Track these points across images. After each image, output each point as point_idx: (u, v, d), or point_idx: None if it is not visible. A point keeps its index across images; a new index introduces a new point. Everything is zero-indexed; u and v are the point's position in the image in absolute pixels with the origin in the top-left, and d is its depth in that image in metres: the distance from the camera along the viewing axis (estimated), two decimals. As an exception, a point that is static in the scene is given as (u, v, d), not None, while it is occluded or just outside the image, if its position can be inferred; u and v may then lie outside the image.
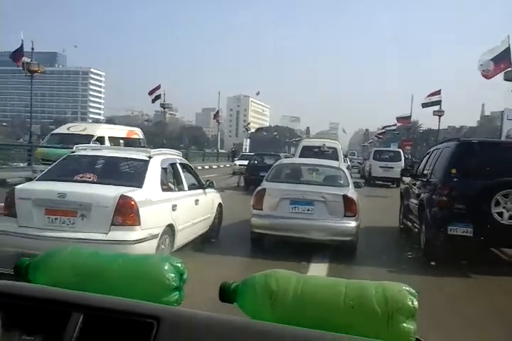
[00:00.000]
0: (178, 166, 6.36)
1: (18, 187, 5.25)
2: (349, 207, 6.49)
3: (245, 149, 54.58)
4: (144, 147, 13.64)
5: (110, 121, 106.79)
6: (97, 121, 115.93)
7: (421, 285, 5.43)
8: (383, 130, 63.35)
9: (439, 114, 35.64)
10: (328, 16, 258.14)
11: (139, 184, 5.20)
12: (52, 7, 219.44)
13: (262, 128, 79.52)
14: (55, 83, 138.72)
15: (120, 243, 4.64)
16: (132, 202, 4.80)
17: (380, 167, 21.58)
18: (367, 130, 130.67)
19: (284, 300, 0.97)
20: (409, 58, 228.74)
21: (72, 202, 4.79)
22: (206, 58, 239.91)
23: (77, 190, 4.95)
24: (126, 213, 4.75)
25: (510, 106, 21.81)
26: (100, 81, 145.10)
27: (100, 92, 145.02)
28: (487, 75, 21.63)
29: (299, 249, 6.52)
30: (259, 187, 7.03)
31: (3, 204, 5.08)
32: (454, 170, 6.52)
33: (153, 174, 5.48)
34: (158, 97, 37.40)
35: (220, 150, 55.17)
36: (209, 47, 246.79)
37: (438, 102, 35.10)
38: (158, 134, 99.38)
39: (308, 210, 6.55)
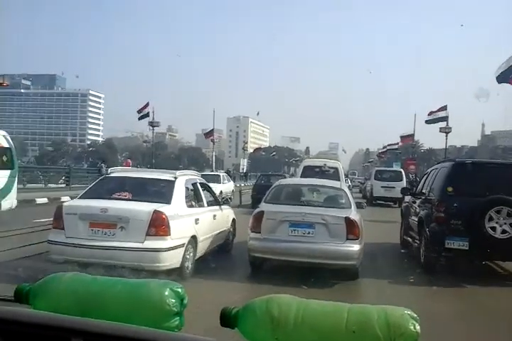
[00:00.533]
0: (198, 185, 7.26)
1: (65, 204, 6.19)
2: (351, 229, 6.23)
3: (242, 169, 54.70)
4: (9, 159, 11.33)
5: (109, 142, 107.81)
6: (95, 142, 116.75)
7: (420, 297, 6.00)
8: (385, 149, 62.84)
9: (446, 130, 33.70)
10: (325, 35, 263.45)
11: (167, 201, 6.07)
12: (52, 29, 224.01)
13: (260, 148, 79.87)
14: (53, 105, 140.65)
15: (154, 250, 5.53)
16: (164, 216, 5.66)
17: (382, 187, 21.75)
18: (367, 149, 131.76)
19: (285, 325, 0.97)
20: (410, 78, 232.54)
21: (112, 216, 5.63)
22: (207, 80, 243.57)
23: (116, 206, 5.81)
24: (158, 225, 5.60)
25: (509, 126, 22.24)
26: (99, 103, 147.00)
27: (99, 114, 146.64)
28: None
29: (300, 272, 6.32)
30: (257, 209, 6.80)
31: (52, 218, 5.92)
32: (450, 189, 7.13)
33: (179, 192, 6.39)
34: (146, 115, 36.29)
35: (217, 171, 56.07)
36: (209, 68, 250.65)
37: (444, 118, 33.48)
38: (157, 155, 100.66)
39: (308, 233, 6.29)
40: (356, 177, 56.08)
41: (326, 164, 14.74)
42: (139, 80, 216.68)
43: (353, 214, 6.49)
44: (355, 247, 6.18)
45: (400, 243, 9.53)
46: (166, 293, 1.07)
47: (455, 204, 6.96)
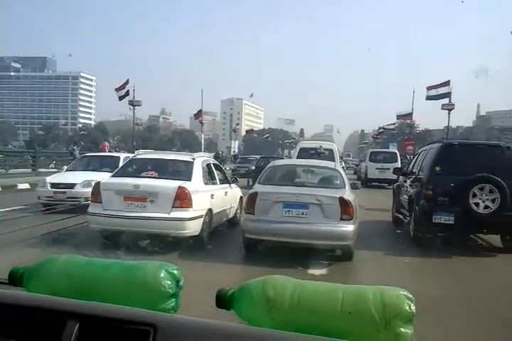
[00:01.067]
0: (212, 166, 8.30)
1: (102, 181, 7.20)
2: (346, 209, 6.27)
3: (233, 152, 54.48)
4: None
5: (101, 125, 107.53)
6: (87, 126, 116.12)
7: (409, 261, 6.70)
8: (381, 130, 62.01)
9: (449, 107, 31.31)
10: (319, 15, 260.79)
11: (188, 178, 7.19)
12: (44, 11, 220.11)
13: (252, 130, 78.98)
14: (44, 88, 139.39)
15: (179, 220, 6.65)
16: (186, 191, 6.77)
17: (377, 168, 21.92)
18: (362, 131, 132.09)
19: (281, 306, 0.98)
20: (405, 58, 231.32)
21: (144, 191, 6.77)
22: (200, 61, 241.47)
23: (146, 182, 6.95)
24: (182, 199, 6.71)
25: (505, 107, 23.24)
26: (91, 85, 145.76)
27: (91, 97, 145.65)
28: None
29: (296, 253, 6.46)
30: (251, 190, 6.84)
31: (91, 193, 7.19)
32: (437, 168, 7.78)
33: (197, 171, 7.49)
34: (126, 94, 32.52)
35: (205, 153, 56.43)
36: (201, 49, 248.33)
37: (447, 94, 30.93)
38: (149, 138, 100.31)
39: (302, 214, 6.32)
40: (351, 158, 56.71)
41: (321, 146, 15.14)
42: (133, 63, 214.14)
43: (347, 195, 6.55)
44: (349, 227, 6.23)
45: (392, 220, 10.22)
46: (162, 275, 1.09)
47: (442, 183, 7.62)
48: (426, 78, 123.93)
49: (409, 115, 41.83)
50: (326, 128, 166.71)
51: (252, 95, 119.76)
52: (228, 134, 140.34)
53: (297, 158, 14.50)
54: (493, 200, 7.32)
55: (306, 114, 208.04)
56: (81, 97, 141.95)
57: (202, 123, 43.46)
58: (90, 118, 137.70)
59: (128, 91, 32.42)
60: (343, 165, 34.18)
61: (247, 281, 1.04)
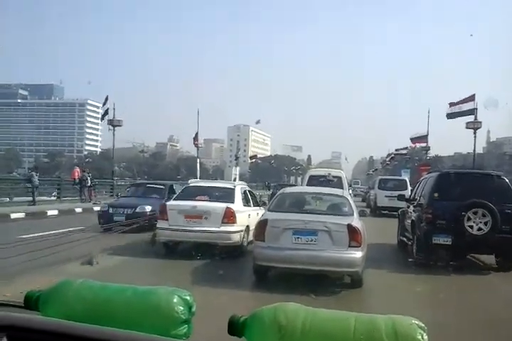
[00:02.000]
0: (247, 192, 10.71)
1: (168, 203, 9.74)
2: (354, 236, 6.49)
3: (234, 179, 53.00)
4: None
5: (106, 153, 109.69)
6: (92, 153, 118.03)
7: (412, 279, 7.73)
8: (392, 155, 60.40)
9: (475, 125, 27.88)
10: (327, 40, 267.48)
11: (232, 201, 9.51)
12: (53, 39, 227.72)
13: (255, 156, 79.39)
14: (51, 115, 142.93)
15: (226, 232, 8.98)
16: (232, 210, 9.14)
17: (386, 196, 21.46)
18: (371, 157, 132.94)
19: (292, 334, 0.99)
20: (413, 84, 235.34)
21: (200, 210, 9.15)
22: (207, 89, 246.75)
23: (201, 204, 9.34)
24: (229, 216, 9.06)
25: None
26: (98, 113, 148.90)
27: (97, 124, 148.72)
28: None
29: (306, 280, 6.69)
30: (261, 218, 7.21)
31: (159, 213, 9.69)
32: (436, 194, 8.91)
33: (238, 195, 9.86)
34: (105, 113, 30.60)
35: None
36: (207, 75, 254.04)
37: (471, 111, 27.85)
38: (155, 165, 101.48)
39: (311, 241, 6.55)
40: (359, 186, 57.59)
41: (330, 173, 15.91)
42: (142, 90, 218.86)
43: (355, 222, 6.80)
44: (357, 254, 6.46)
45: (397, 243, 11.26)
46: (175, 301, 1.12)
47: (440, 207, 8.72)
48: (436, 104, 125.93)
49: (425, 137, 37.83)
50: (334, 155, 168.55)
51: (258, 121, 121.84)
52: (235, 161, 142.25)
53: (307, 185, 15.25)
54: (485, 223, 8.38)
55: (314, 141, 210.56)
56: (88, 124, 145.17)
57: (198, 146, 42.10)
58: (97, 146, 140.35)
59: (107, 110, 30.42)
60: (351, 192, 34.94)
61: (259, 308, 1.06)
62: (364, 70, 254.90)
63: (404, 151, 51.10)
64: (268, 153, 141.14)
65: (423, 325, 0.98)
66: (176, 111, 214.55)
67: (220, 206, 9.14)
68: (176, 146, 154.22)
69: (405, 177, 29.90)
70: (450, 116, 29.92)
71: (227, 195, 9.64)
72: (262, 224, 6.91)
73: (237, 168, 53.85)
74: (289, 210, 7.60)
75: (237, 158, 72.93)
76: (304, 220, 6.74)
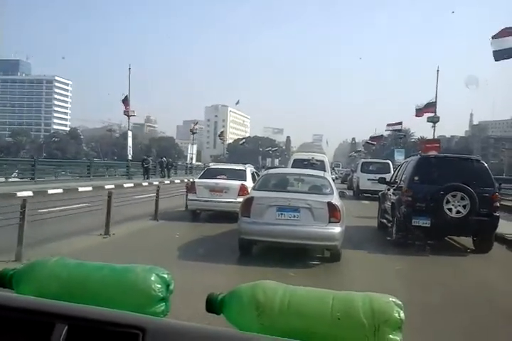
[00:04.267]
0: (254, 173, 13.57)
1: (196, 180, 13.00)
2: (333, 213, 7.22)
3: (190, 159, 49.15)
4: None
5: (74, 132, 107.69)
6: (59, 132, 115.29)
7: (392, 261, 8.17)
8: (380, 134, 59.36)
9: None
10: (310, 21, 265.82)
11: (244, 179, 12.56)
12: (20, 13, 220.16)
13: (222, 133, 74.23)
14: (16, 92, 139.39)
15: (240, 202, 9.14)
16: (245, 186, 11.78)
17: (369, 179, 21.77)
18: (353, 139, 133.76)
19: (270, 312, 1.04)
20: (397, 67, 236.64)
21: (221, 186, 12.32)
22: (186, 66, 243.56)
23: (221, 181, 12.49)
24: (243, 190, 11.54)
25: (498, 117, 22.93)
26: (66, 90, 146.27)
27: (66, 102, 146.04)
28: None
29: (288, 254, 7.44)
30: (247, 196, 8.06)
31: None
32: (416, 178, 9.34)
33: (249, 175, 12.95)
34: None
35: (195, 163, 52.35)
36: (188, 54, 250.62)
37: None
38: (125, 145, 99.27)
39: (294, 217, 7.28)
40: (340, 168, 58.34)
41: (313, 157, 17.09)
42: (116, 68, 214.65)
43: (335, 200, 7.56)
44: (336, 229, 7.21)
45: (377, 226, 11.74)
46: (152, 278, 1.16)
47: (420, 190, 9.15)
48: (419, 85, 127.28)
49: (433, 105, 33.68)
50: (315, 138, 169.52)
51: (238, 102, 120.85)
52: (212, 142, 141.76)
53: (291, 168, 16.07)
54: (464, 206, 8.86)
55: (295, 124, 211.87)
56: (55, 102, 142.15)
57: (129, 115, 35.02)
58: (66, 125, 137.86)
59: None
60: (334, 175, 35.36)
61: (238, 286, 1.10)
62: (346, 51, 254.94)
63: (399, 127, 47.95)
64: (247, 135, 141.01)
65: (400, 303, 1.02)
66: (156, 90, 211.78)
67: (236, 183, 12.20)
68: (153, 127, 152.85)
69: (399, 157, 29.44)
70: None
71: (241, 175, 12.82)
72: (248, 202, 7.63)
73: (194, 147, 49.56)
74: (274, 189, 8.34)
75: (220, 138, 71.22)
76: (288, 198, 7.47)
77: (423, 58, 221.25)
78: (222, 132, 72.84)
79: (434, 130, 31.68)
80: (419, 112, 35.56)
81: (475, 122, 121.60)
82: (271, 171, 10.21)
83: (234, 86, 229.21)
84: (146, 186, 24.18)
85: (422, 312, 4.88)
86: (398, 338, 1.00)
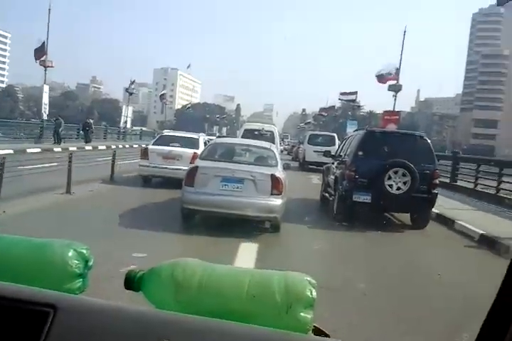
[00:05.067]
0: (207, 141, 13.28)
1: (149, 147, 13.20)
2: (276, 185, 7.42)
3: (124, 123, 44.80)
4: None
5: (10, 89, 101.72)
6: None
7: (329, 235, 8.19)
8: (331, 105, 60.53)
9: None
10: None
11: (197, 148, 12.62)
12: None
13: (163, 94, 67.11)
14: None
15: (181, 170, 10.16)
16: (197, 155, 10.33)
17: (315, 151, 22.78)
18: (304, 110, 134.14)
19: (188, 289, 1.05)
20: (349, 39, 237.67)
21: (175, 154, 12.67)
22: (134, 25, 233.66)
23: (174, 149, 12.84)
24: (195, 158, 10.35)
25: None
26: (5, 43, 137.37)
27: (4, 57, 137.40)
28: None
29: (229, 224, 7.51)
30: (192, 165, 8.11)
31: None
32: (360, 152, 9.32)
33: (202, 143, 13.15)
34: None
35: (133, 128, 48.66)
36: (137, 12, 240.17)
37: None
38: (64, 106, 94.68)
39: (237, 188, 7.43)
40: (289, 140, 58.73)
41: (263, 128, 17.31)
42: (62, 24, 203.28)
43: (279, 172, 7.75)
44: (277, 201, 7.43)
45: (320, 199, 11.77)
46: (70, 254, 1.12)
47: (363, 166, 9.15)
48: (371, 61, 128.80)
49: (396, 72, 33.60)
50: (266, 108, 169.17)
51: (189, 66, 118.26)
52: (160, 107, 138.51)
53: (241, 138, 16.19)
54: (404, 183, 8.95)
55: (247, 92, 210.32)
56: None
57: (45, 66, 31.31)
58: (2, 81, 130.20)
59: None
60: (283, 146, 35.39)
61: (158, 264, 1.10)
62: (299, 21, 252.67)
63: (353, 97, 46.38)
64: (197, 101, 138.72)
65: (314, 282, 1.05)
66: (103, 49, 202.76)
67: (189, 151, 12.44)
68: (99, 88, 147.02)
69: (352, 129, 30.44)
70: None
71: (194, 143, 13.16)
72: (193, 171, 7.68)
73: (130, 109, 45.62)
74: (219, 159, 8.39)
75: (162, 100, 68.38)
76: (232, 169, 7.59)
77: (383, 25, 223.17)
78: (163, 94, 67.42)
79: (395, 99, 31.71)
80: (382, 78, 34.20)
81: (421, 99, 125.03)
82: (218, 140, 10.26)
83: (186, 50, 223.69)
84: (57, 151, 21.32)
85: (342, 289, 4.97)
86: (309, 316, 1.02)
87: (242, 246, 6.66)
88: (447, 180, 16.83)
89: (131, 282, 1.10)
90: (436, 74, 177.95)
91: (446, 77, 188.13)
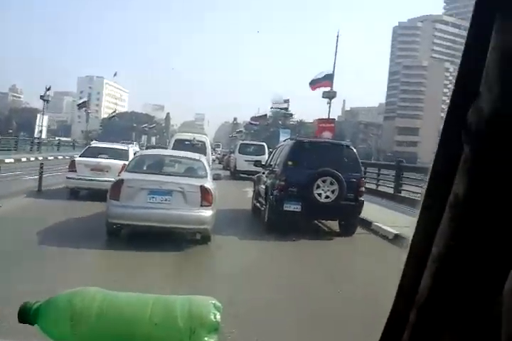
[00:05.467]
0: (137, 152, 13.09)
1: (76, 158, 13.07)
2: (205, 197, 7.41)
3: (39, 132, 42.80)
4: None
5: None
6: None
7: (261, 247, 8.27)
8: (264, 113, 60.07)
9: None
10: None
11: (126, 159, 12.00)
12: None
13: (84, 103, 64.66)
14: None
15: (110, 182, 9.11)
16: (125, 166, 9.75)
17: (245, 160, 23.30)
18: (235, 119, 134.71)
19: (87, 320, 1.00)
20: (280, 48, 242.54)
21: (103, 165, 12.50)
22: (61, 35, 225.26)
23: (103, 160, 12.70)
24: (122, 168, 9.95)
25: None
26: None
27: None
28: None
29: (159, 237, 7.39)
30: (118, 178, 7.98)
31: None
32: (290, 162, 9.52)
33: (131, 155, 12.79)
34: None
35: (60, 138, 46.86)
36: (62, 19, 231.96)
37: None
38: None
39: (165, 200, 7.36)
40: (220, 149, 58.87)
41: (195, 138, 17.50)
42: None
43: (208, 183, 7.80)
44: (207, 213, 7.42)
45: (251, 208, 11.87)
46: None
47: (293, 175, 9.35)
48: (302, 70, 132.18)
49: (329, 78, 32.83)
50: (197, 117, 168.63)
51: (115, 74, 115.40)
52: (85, 116, 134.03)
53: (172, 148, 16.26)
54: (332, 191, 9.23)
55: (177, 101, 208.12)
56: None
57: None
58: None
59: None
60: (214, 155, 35.48)
61: (56, 294, 1.05)
62: (239, 23, 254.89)
63: (285, 105, 47.12)
64: (125, 110, 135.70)
65: (219, 305, 1.03)
66: (24, 55, 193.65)
67: (119, 162, 12.25)
68: (19, 97, 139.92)
69: (285, 138, 30.79)
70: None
71: (123, 154, 13.15)
72: (118, 184, 7.55)
73: (45, 117, 44.25)
74: (146, 171, 8.31)
75: (80, 108, 63.93)
76: (160, 181, 7.53)
77: (315, 36, 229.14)
78: (84, 102, 63.87)
79: (330, 106, 31.97)
80: (315, 84, 33.81)
81: (347, 108, 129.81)
82: (144, 152, 10.58)
83: (112, 58, 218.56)
84: None
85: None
86: (213, 340, 1.00)
87: (171, 258, 6.60)
88: (373, 187, 17.48)
89: (26, 314, 1.04)
90: (361, 84, 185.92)
91: (370, 87, 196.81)
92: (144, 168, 8.51)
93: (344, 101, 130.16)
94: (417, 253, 0.61)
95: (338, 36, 31.62)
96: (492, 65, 0.48)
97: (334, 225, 10.20)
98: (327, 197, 9.24)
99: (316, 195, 9.19)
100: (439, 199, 0.56)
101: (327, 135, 30.14)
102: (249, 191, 13.60)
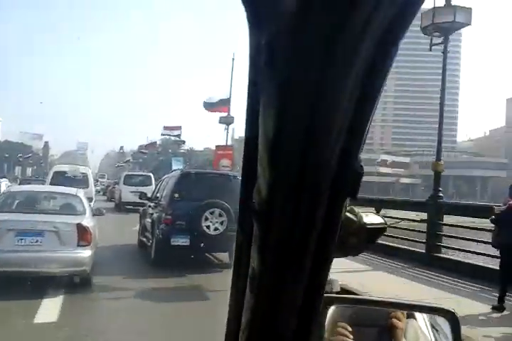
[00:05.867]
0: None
1: None
2: (83, 235, 6.91)
3: None
4: None
5: None
6: None
7: (146, 283, 7.86)
8: (154, 141, 59.29)
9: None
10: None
11: None
12: None
13: None
14: None
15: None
16: None
17: (131, 192, 22.70)
18: (121, 147, 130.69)
19: None
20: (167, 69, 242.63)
21: None
22: None
23: None
24: None
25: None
26: None
27: None
28: None
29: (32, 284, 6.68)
30: None
31: None
32: (176, 195, 9.29)
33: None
34: None
35: None
36: None
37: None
38: None
39: (36, 241, 6.77)
40: (105, 180, 56.75)
41: (76, 170, 16.80)
42: None
43: (86, 221, 7.29)
44: (86, 253, 6.93)
45: (137, 244, 11.35)
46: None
47: (180, 208, 9.11)
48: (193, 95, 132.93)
49: (226, 102, 31.14)
50: (80, 146, 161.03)
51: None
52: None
53: (51, 181, 15.48)
54: (221, 223, 9.12)
55: (58, 129, 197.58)
56: None
57: None
58: None
59: None
60: (99, 187, 34.05)
61: None
62: (113, 54, 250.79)
63: (178, 131, 46.12)
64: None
65: None
66: None
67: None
68: None
69: (178, 166, 30.27)
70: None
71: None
72: None
73: None
74: (15, 210, 7.67)
75: None
76: (30, 220, 6.93)
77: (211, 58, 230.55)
78: None
79: (227, 133, 29.96)
80: (211, 108, 32.01)
81: (236, 137, 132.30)
82: (13, 189, 9.67)
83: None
84: None
85: None
86: None
87: (44, 305, 6.10)
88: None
89: None
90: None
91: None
92: (13, 207, 7.84)
93: (233, 129, 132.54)
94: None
95: (233, 59, 29.38)
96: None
97: (225, 257, 10.06)
98: (216, 229, 9.10)
99: (205, 228, 9.01)
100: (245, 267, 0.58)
101: (226, 163, 27.79)
102: (137, 224, 13.06)
